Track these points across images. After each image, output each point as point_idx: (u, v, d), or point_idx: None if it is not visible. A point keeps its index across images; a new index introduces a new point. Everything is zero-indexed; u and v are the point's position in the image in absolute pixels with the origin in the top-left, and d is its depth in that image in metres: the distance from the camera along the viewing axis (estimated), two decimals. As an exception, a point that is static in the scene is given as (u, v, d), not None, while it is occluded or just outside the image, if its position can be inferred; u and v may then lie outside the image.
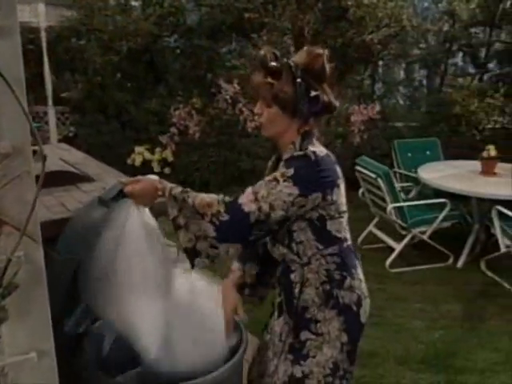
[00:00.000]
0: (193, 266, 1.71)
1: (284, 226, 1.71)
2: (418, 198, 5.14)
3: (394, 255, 4.60)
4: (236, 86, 7.24)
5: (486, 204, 4.45)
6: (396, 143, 5.63)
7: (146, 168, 7.07)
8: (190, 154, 7.32)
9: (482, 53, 9.65)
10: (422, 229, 4.61)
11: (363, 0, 8.01)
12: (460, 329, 3.55)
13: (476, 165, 4.99)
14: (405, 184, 5.43)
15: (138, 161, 7.27)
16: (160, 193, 1.73)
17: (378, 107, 7.28)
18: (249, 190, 1.65)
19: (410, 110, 9.68)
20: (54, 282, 1.38)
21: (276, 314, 1.86)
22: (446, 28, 9.43)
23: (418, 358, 3.17)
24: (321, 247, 1.72)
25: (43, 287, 1.20)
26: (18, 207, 1.11)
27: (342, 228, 1.75)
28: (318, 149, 1.70)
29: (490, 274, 4.35)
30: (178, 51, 9.48)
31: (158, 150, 7.36)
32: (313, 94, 1.67)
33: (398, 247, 4.63)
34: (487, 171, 4.87)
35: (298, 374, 1.74)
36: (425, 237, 4.61)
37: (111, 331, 1.87)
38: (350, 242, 1.80)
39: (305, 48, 1.72)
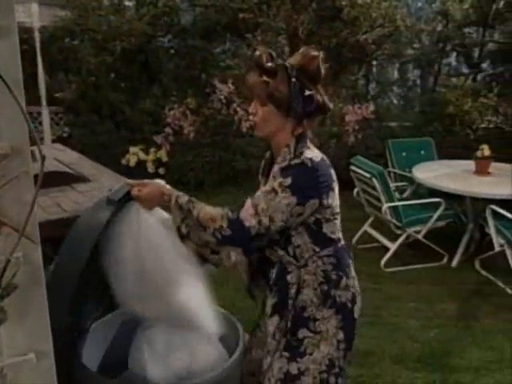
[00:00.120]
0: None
1: (284, 234, 1.74)
2: (412, 198, 5.15)
3: (388, 255, 4.61)
4: (230, 86, 7.25)
5: (480, 203, 4.46)
6: (390, 143, 5.62)
7: (140, 168, 7.06)
8: (185, 154, 7.29)
9: (476, 53, 9.70)
10: (417, 228, 4.62)
11: (357, 0, 8.03)
12: (455, 328, 3.56)
13: (470, 164, 5.00)
14: (399, 183, 5.43)
15: (133, 161, 7.24)
16: (166, 198, 1.74)
17: (372, 107, 7.30)
18: (248, 202, 1.67)
19: (404, 110, 9.72)
20: (59, 283, 1.39)
21: (269, 313, 1.86)
22: (439, 28, 9.49)
23: (414, 356, 3.18)
24: (317, 249, 1.74)
25: (42, 288, 1.20)
26: (16, 208, 1.10)
27: (336, 229, 1.78)
28: (313, 154, 1.71)
29: (484, 273, 4.36)
30: (172, 51, 9.47)
31: (152, 150, 7.33)
32: (307, 93, 1.68)
33: (392, 247, 4.64)
34: (481, 171, 4.88)
35: (294, 371, 1.75)
36: (419, 236, 4.62)
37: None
38: (343, 242, 1.83)
39: (301, 49, 1.74)
